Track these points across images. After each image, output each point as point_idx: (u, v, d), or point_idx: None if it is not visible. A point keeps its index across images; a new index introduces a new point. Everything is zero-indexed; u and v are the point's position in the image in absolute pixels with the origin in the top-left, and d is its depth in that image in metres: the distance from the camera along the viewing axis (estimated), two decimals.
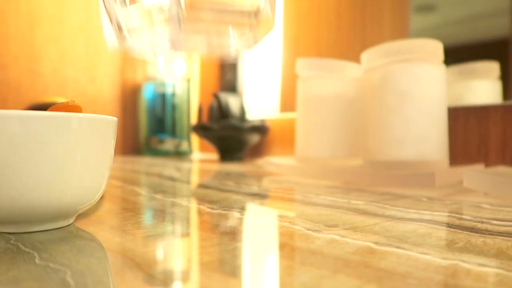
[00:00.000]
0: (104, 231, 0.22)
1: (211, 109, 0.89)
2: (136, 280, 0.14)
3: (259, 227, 0.23)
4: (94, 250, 0.18)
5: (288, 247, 0.19)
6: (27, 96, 0.94)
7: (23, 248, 0.18)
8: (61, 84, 1.00)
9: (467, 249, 0.18)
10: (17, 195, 0.19)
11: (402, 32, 0.68)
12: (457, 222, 0.25)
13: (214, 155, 1.12)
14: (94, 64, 1.05)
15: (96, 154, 0.21)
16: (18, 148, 0.19)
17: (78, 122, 0.20)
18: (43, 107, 0.77)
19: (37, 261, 0.16)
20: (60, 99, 0.83)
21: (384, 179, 0.41)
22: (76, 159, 0.20)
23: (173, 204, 0.31)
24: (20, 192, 0.19)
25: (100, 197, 0.23)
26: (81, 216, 0.26)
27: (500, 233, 0.22)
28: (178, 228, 0.23)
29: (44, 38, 0.96)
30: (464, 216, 0.27)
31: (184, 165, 0.74)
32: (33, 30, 0.95)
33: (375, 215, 0.27)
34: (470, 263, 0.16)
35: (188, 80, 1.08)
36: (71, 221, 0.23)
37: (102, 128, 0.21)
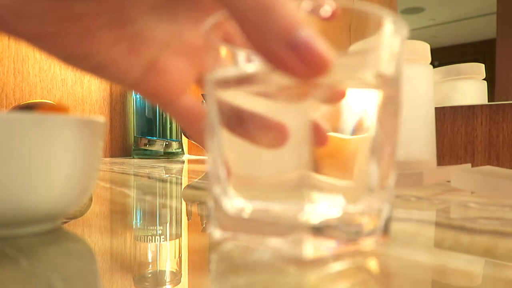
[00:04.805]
0: (93, 233, 0.21)
1: None
2: (126, 283, 0.14)
3: None
4: (82, 253, 0.18)
5: None
6: (13, 97, 0.93)
7: (8, 252, 0.18)
8: (48, 85, 0.98)
9: (455, 248, 0.19)
10: (2, 198, 0.19)
11: None
12: (445, 221, 0.25)
13: (204, 156, 1.11)
14: None
15: (83, 155, 0.21)
16: (2, 150, 0.18)
17: (65, 124, 0.20)
18: (30, 108, 0.76)
19: (22, 265, 0.16)
20: (47, 100, 0.81)
21: None
22: (63, 161, 0.20)
23: (163, 206, 0.30)
24: (6, 194, 0.19)
25: (88, 199, 0.23)
26: (69, 218, 0.25)
27: (488, 232, 0.22)
28: (168, 229, 0.23)
29: None
30: (452, 215, 0.27)
31: (174, 166, 0.74)
32: None
33: None
34: (458, 262, 0.17)
35: None
36: (58, 223, 0.23)
37: (90, 129, 0.21)
